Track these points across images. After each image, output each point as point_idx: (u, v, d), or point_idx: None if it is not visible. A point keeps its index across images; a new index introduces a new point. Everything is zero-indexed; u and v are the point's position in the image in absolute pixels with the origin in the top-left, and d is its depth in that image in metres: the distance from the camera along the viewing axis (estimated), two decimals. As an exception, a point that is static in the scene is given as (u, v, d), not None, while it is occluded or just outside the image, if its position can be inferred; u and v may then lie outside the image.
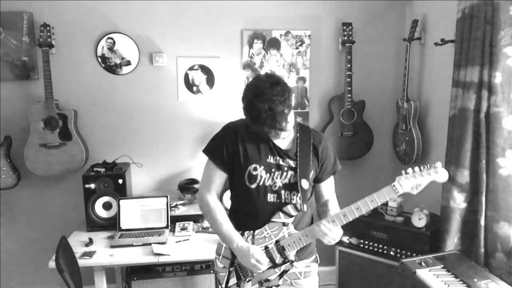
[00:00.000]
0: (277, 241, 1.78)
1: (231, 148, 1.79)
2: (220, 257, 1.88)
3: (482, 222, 2.27)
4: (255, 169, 1.77)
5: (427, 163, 3.02)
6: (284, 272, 1.81)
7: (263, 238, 1.79)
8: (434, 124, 2.98)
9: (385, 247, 2.72)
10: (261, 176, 1.77)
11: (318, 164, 1.85)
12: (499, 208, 2.22)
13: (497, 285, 2.01)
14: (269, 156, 1.79)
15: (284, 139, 1.82)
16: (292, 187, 1.79)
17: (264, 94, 1.62)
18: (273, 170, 1.78)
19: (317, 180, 1.88)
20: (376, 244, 2.76)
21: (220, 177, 1.84)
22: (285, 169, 1.79)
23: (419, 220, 2.58)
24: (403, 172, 1.69)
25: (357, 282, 2.87)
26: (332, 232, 1.71)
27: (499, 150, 2.20)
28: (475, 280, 2.04)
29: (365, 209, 1.72)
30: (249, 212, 1.80)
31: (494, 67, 2.16)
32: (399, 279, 2.43)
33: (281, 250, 1.78)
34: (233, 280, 1.84)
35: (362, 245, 2.82)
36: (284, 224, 1.78)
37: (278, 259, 1.78)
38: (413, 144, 2.99)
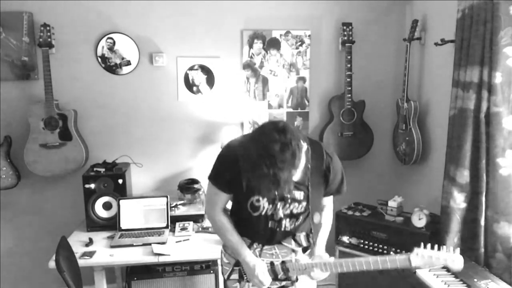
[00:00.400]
0: (283, 262, 1.80)
1: (234, 174, 1.71)
2: (227, 254, 1.90)
3: (482, 222, 2.27)
4: (257, 200, 1.74)
5: (427, 163, 3.05)
6: (285, 287, 1.85)
7: (271, 254, 1.81)
8: (434, 124, 2.98)
9: (385, 247, 2.72)
10: (264, 207, 1.75)
11: (326, 186, 1.82)
12: (499, 208, 2.22)
13: (497, 285, 2.01)
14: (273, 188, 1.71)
15: None
16: (292, 215, 1.77)
17: (270, 157, 1.46)
18: (276, 202, 1.74)
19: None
20: (376, 244, 2.76)
21: (224, 197, 1.84)
22: (289, 201, 1.74)
23: (419, 220, 2.58)
24: (422, 246, 1.67)
25: (357, 282, 2.86)
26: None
27: (499, 150, 2.20)
28: (475, 280, 2.04)
29: (374, 267, 1.71)
30: (250, 230, 1.82)
31: (494, 67, 2.16)
32: (399, 279, 2.43)
33: (286, 271, 1.80)
34: (235, 276, 1.87)
35: (362, 245, 2.82)
36: (293, 250, 1.81)
37: (281, 275, 1.81)
38: (413, 144, 2.99)
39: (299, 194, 1.74)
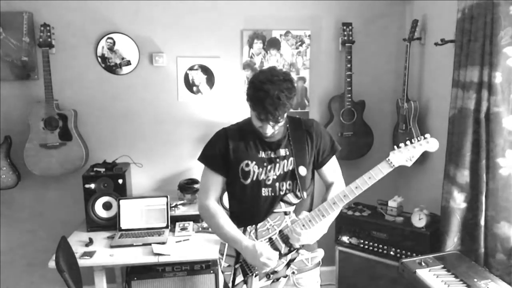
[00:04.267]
0: (280, 231, 1.79)
1: (222, 148, 1.83)
2: (224, 256, 1.88)
3: (482, 222, 2.27)
4: (247, 165, 1.80)
5: (427, 163, 3.05)
6: (291, 261, 1.82)
7: (266, 230, 1.80)
8: (434, 124, 2.98)
9: (385, 247, 2.72)
10: (254, 171, 1.80)
11: (315, 148, 1.86)
12: (499, 208, 2.22)
13: (497, 285, 2.01)
14: (260, 151, 1.82)
15: (274, 134, 1.83)
16: (287, 176, 1.81)
17: (276, 83, 1.66)
18: (265, 164, 1.81)
19: (318, 165, 1.90)
20: (376, 244, 2.76)
21: (217, 181, 1.86)
22: (277, 160, 1.81)
23: (419, 220, 2.58)
24: (395, 147, 1.75)
25: (357, 282, 2.87)
26: (304, 236, 1.75)
27: (499, 150, 2.20)
28: (475, 280, 2.04)
29: (364, 187, 1.74)
30: (247, 208, 1.82)
31: (494, 67, 2.16)
32: (399, 279, 2.43)
33: (286, 239, 1.79)
34: (239, 278, 1.84)
35: (362, 245, 2.82)
36: (285, 213, 1.80)
37: (283, 248, 1.79)
38: (413, 144, 2.99)
39: (284, 151, 1.83)
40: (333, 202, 1.75)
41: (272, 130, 1.76)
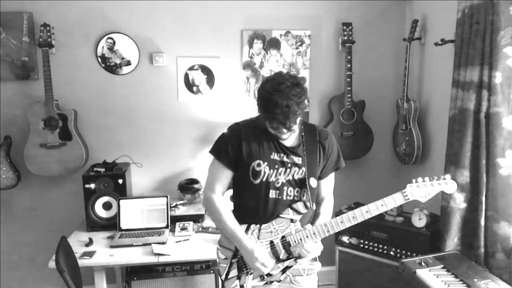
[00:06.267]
0: (283, 237, 1.80)
1: (235, 145, 1.82)
2: (223, 248, 1.89)
3: (482, 222, 2.27)
4: (258, 165, 1.80)
5: (427, 163, 3.05)
6: (287, 267, 1.83)
7: (269, 232, 1.81)
8: (434, 124, 2.98)
9: (385, 247, 2.72)
10: (265, 172, 1.80)
11: (323, 161, 1.88)
12: (499, 208, 2.22)
13: (497, 285, 2.01)
14: (273, 153, 1.82)
15: (289, 137, 1.84)
16: (295, 183, 1.82)
17: (283, 91, 1.65)
18: (276, 166, 1.81)
19: (319, 177, 1.90)
20: (376, 244, 2.76)
21: (225, 175, 1.86)
22: (289, 165, 1.81)
23: (419, 220, 2.58)
24: (414, 180, 1.75)
25: (357, 282, 2.87)
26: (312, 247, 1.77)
27: (499, 150, 2.20)
28: (475, 280, 2.04)
29: (374, 213, 1.76)
30: (251, 207, 1.83)
31: (494, 67, 2.16)
32: (399, 279, 2.43)
33: (287, 246, 1.79)
34: (233, 272, 1.85)
35: (362, 245, 2.82)
36: (292, 221, 1.81)
37: (282, 254, 1.80)
38: (413, 144, 2.99)
39: (297, 159, 1.83)
40: (341, 221, 1.77)
41: (287, 134, 1.78)
